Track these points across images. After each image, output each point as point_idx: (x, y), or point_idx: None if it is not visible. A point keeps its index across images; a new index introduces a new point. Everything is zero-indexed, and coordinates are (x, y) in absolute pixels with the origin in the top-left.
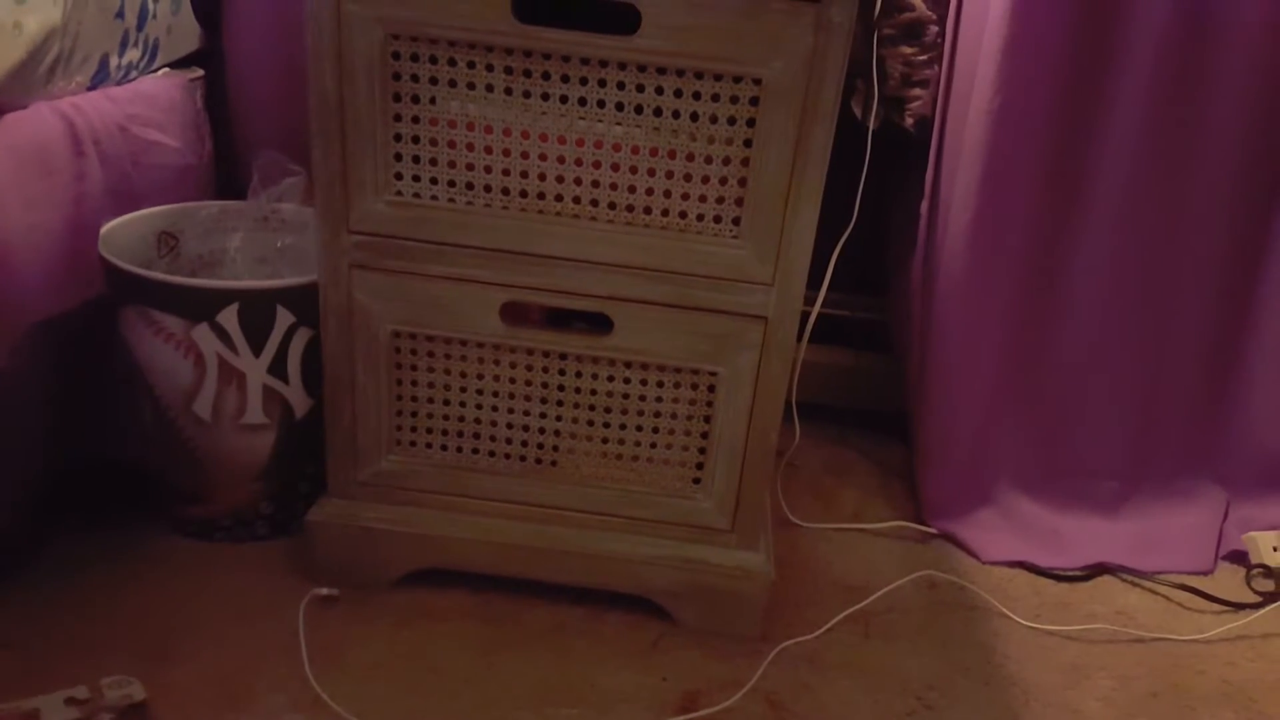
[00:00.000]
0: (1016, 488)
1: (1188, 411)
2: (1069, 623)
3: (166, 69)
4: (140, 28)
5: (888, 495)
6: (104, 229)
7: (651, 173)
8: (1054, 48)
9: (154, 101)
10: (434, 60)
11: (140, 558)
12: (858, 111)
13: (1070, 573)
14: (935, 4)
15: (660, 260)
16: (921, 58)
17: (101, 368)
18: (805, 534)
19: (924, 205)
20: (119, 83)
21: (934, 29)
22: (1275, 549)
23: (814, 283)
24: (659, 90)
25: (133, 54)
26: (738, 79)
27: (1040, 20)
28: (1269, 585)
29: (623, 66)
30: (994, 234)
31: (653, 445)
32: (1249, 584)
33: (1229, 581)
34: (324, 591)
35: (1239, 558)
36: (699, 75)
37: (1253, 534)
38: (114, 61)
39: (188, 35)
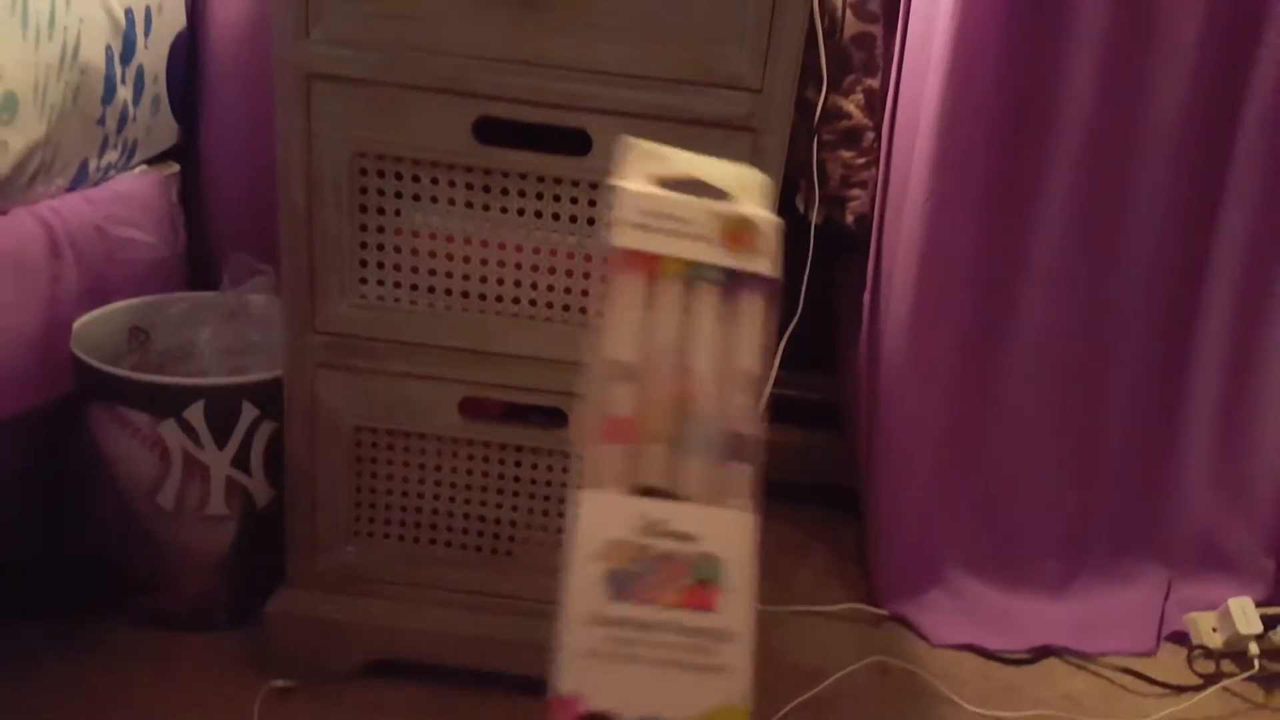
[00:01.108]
0: (965, 568)
1: (1127, 491)
2: (1016, 708)
3: (143, 166)
4: (120, 130)
5: (841, 575)
6: (76, 325)
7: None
8: (982, 152)
9: (130, 200)
10: (399, 176)
11: (95, 650)
12: (801, 207)
13: (1018, 655)
14: (871, 113)
15: None
16: (859, 161)
17: (61, 461)
18: (759, 617)
19: (866, 295)
20: (97, 183)
21: (870, 135)
22: (1214, 630)
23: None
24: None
25: (111, 155)
26: None
27: (968, 128)
28: (1209, 667)
29: (575, 183)
30: (932, 321)
31: None
32: (1190, 665)
33: (1171, 663)
34: (280, 684)
35: (1181, 638)
36: None
37: (1193, 615)
38: (93, 164)
39: (165, 132)
